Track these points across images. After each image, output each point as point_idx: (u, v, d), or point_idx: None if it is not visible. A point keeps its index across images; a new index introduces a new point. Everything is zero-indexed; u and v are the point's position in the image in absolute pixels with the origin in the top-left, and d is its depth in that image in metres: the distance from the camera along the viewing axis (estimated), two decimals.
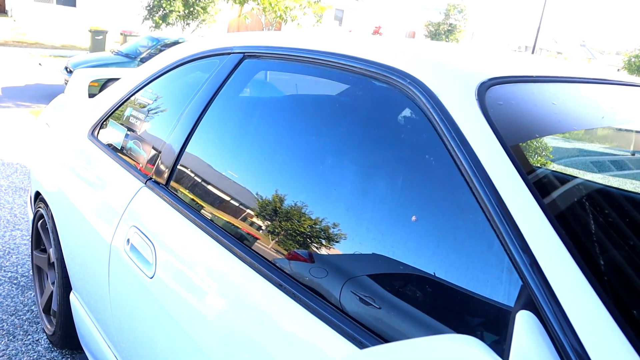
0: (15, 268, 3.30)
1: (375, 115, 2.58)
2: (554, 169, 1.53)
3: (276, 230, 1.21)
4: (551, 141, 1.49)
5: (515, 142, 0.97)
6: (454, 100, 1.04)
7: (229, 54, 1.67)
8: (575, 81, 1.35)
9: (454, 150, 0.97)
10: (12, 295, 3.00)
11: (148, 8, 19.82)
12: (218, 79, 1.62)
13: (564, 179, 1.54)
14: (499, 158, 0.92)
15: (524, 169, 0.90)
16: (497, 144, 0.94)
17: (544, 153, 1.40)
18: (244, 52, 1.61)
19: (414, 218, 0.95)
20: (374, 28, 37.89)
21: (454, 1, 41.74)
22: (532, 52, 25.38)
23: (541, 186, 0.90)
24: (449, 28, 41.79)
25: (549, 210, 0.83)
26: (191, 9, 19.58)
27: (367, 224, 1.05)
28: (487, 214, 0.87)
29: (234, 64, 1.61)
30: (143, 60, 10.14)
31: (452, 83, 1.09)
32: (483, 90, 1.07)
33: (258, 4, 20.60)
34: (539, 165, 1.32)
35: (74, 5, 29.34)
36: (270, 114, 1.46)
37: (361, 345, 0.92)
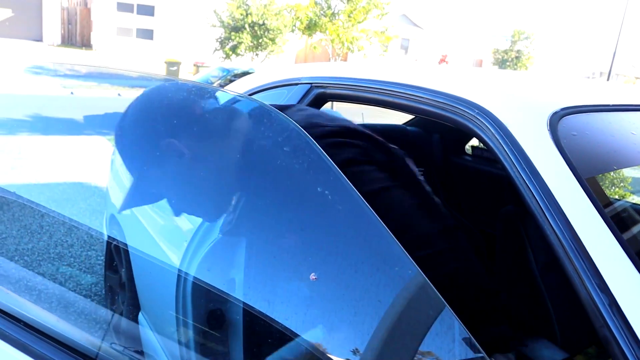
0: (89, 287, 3.44)
1: (443, 145, 2.54)
2: (633, 202, 1.45)
3: None
4: (630, 173, 1.43)
5: (590, 174, 0.94)
6: (524, 131, 1.02)
7: (297, 84, 1.71)
8: None
9: (525, 184, 0.94)
10: (85, 313, 3.13)
11: (219, 40, 20.60)
12: None
13: None
14: (573, 191, 0.88)
15: (601, 202, 0.86)
16: (571, 177, 0.91)
17: (622, 185, 1.33)
18: (311, 83, 1.64)
19: (313, 277, 0.78)
20: (440, 57, 37.69)
21: (520, 27, 40.95)
22: (608, 79, 24.42)
23: (619, 220, 0.86)
24: (517, 55, 40.95)
25: (628, 246, 0.79)
26: (260, 40, 20.19)
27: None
28: (561, 249, 0.83)
29: (302, 94, 1.64)
30: None
31: (523, 113, 1.07)
32: (555, 120, 1.04)
33: (326, 35, 21.02)
34: (617, 198, 1.26)
35: (152, 39, 31.08)
36: None
37: None
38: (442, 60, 37.26)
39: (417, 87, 1.29)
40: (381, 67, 1.55)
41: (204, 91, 1.01)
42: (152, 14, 31.43)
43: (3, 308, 1.00)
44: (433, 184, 2.20)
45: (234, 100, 0.99)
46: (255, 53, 20.67)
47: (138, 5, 30.95)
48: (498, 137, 1.04)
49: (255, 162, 0.92)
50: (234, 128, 0.95)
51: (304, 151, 0.80)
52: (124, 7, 30.58)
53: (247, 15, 19.66)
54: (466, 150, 2.81)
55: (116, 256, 2.81)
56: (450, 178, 2.49)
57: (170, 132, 1.03)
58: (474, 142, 2.76)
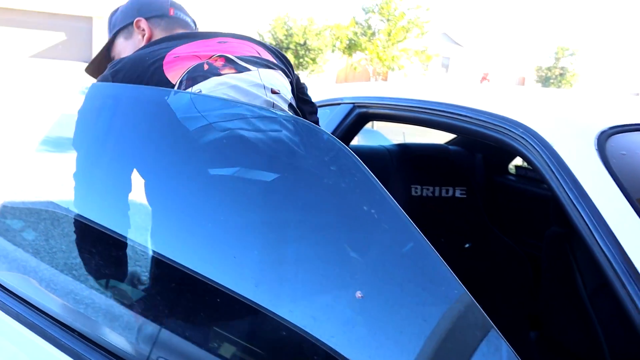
0: (135, 301, 3.51)
1: (485, 165, 2.51)
2: None
3: None
4: None
5: None
6: (571, 151, 1.00)
7: (339, 104, 1.73)
8: None
9: (573, 205, 0.93)
10: (131, 326, 3.19)
11: None
12: (328, 128, 1.68)
13: None
14: (623, 212, 0.86)
15: None
16: (621, 197, 0.89)
17: None
18: (354, 103, 1.66)
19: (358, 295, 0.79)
20: (482, 75, 37.31)
21: (564, 44, 40.20)
22: None
23: None
24: (561, 72, 40.16)
25: None
26: (301, 60, 20.44)
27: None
28: (612, 272, 0.81)
29: (344, 114, 1.66)
30: None
31: (569, 132, 1.05)
32: (603, 139, 1.02)
33: (366, 54, 21.14)
34: None
35: None
36: (381, 166, 1.48)
37: None
38: (484, 79, 36.83)
39: (461, 106, 1.29)
40: (423, 86, 1.56)
41: (249, 110, 1.03)
42: None
43: (59, 318, 1.04)
44: (475, 204, 2.19)
45: (281, 120, 1.02)
46: (296, 72, 20.94)
47: None
48: (544, 157, 1.02)
49: (301, 181, 0.93)
50: (280, 147, 0.97)
51: (350, 170, 0.81)
52: None
53: (289, 35, 19.97)
54: (509, 170, 2.77)
55: (160, 271, 2.87)
56: (493, 198, 2.46)
57: (212, 149, 1.07)
58: (518, 161, 2.73)
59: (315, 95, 1.94)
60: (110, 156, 1.18)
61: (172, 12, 1.45)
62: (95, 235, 1.12)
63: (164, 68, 1.20)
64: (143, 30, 1.40)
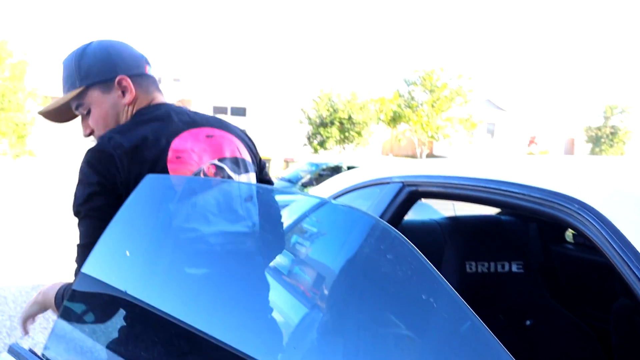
0: None
1: (541, 234, 2.44)
2: None
3: None
4: None
5: None
6: (633, 227, 0.98)
7: (388, 183, 1.75)
8: None
9: (639, 281, 0.89)
10: None
11: (307, 136, 21.45)
12: (378, 208, 1.69)
13: None
14: None
15: None
16: None
17: None
18: (403, 182, 1.68)
19: None
20: (529, 138, 36.92)
21: (613, 102, 39.56)
22: None
23: None
24: (612, 131, 39.34)
25: None
26: (346, 134, 20.80)
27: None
28: None
29: (394, 193, 1.67)
30: (304, 185, 10.75)
31: (629, 207, 1.03)
32: None
33: (410, 125, 21.39)
34: None
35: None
36: (433, 241, 1.47)
37: None
38: (532, 142, 36.46)
39: (512, 182, 1.29)
40: (472, 163, 1.56)
41: (308, 200, 1.07)
42: (244, 115, 33.83)
43: None
44: (534, 278, 2.12)
45: (338, 210, 1.04)
46: (342, 146, 21.27)
47: (232, 107, 33.54)
48: (603, 233, 1.00)
49: (358, 269, 0.94)
50: (338, 236, 0.99)
51: (407, 258, 0.82)
52: (219, 110, 33.32)
53: (333, 111, 20.46)
54: (567, 238, 2.69)
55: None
56: (552, 270, 2.38)
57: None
58: None
59: (364, 174, 1.97)
60: (176, 245, 1.23)
61: (147, 70, 1.47)
62: (158, 323, 1.14)
63: (169, 167, 1.31)
64: (124, 87, 1.39)
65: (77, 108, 1.43)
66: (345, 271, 0.96)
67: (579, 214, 1.07)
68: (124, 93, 1.40)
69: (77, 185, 1.28)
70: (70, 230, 8.19)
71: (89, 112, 1.42)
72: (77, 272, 1.25)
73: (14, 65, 18.19)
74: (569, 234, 2.69)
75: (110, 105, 1.41)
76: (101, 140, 1.30)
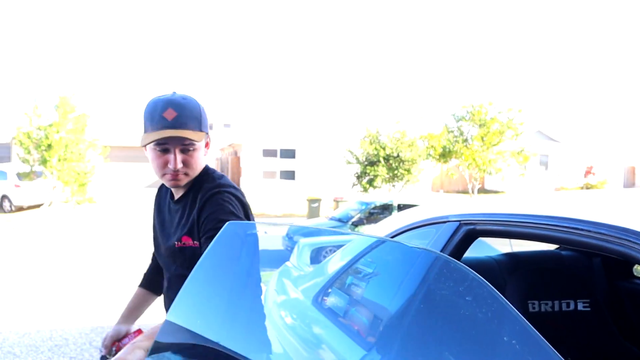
0: None
1: (606, 269, 2.35)
2: None
3: None
4: None
5: None
6: None
7: (445, 222, 1.74)
8: None
9: None
10: None
11: (356, 175, 21.46)
12: (435, 247, 1.68)
13: None
14: None
15: None
16: None
17: None
18: (460, 220, 1.66)
19: None
20: (586, 169, 35.72)
21: None
22: None
23: None
24: None
25: None
26: (395, 172, 20.70)
27: None
28: None
29: (451, 232, 1.66)
30: (354, 224, 10.73)
31: None
32: None
33: (461, 160, 21.11)
34: None
35: (294, 179, 33.70)
36: (490, 279, 1.44)
37: None
38: (588, 172, 35.24)
39: (576, 219, 1.26)
40: (531, 199, 1.54)
41: (381, 243, 1.08)
42: (293, 157, 34.31)
43: None
44: (602, 317, 2.03)
45: (413, 252, 1.05)
46: (392, 184, 21.15)
47: (281, 150, 34.10)
48: None
49: (438, 312, 0.94)
50: (415, 279, 1.00)
51: (487, 300, 0.82)
52: (269, 153, 33.90)
53: (381, 149, 20.46)
54: (635, 273, 2.57)
55: None
56: (620, 306, 2.27)
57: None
58: None
59: (421, 214, 1.97)
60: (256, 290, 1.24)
61: None
62: None
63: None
64: (207, 145, 1.76)
65: (187, 144, 1.65)
66: (425, 313, 0.95)
67: None
68: (206, 148, 1.75)
69: (229, 214, 1.64)
70: (128, 273, 8.37)
71: (191, 152, 1.67)
72: None
73: (77, 119, 19.14)
74: (638, 268, 2.57)
75: (203, 154, 1.73)
76: (233, 184, 1.75)
